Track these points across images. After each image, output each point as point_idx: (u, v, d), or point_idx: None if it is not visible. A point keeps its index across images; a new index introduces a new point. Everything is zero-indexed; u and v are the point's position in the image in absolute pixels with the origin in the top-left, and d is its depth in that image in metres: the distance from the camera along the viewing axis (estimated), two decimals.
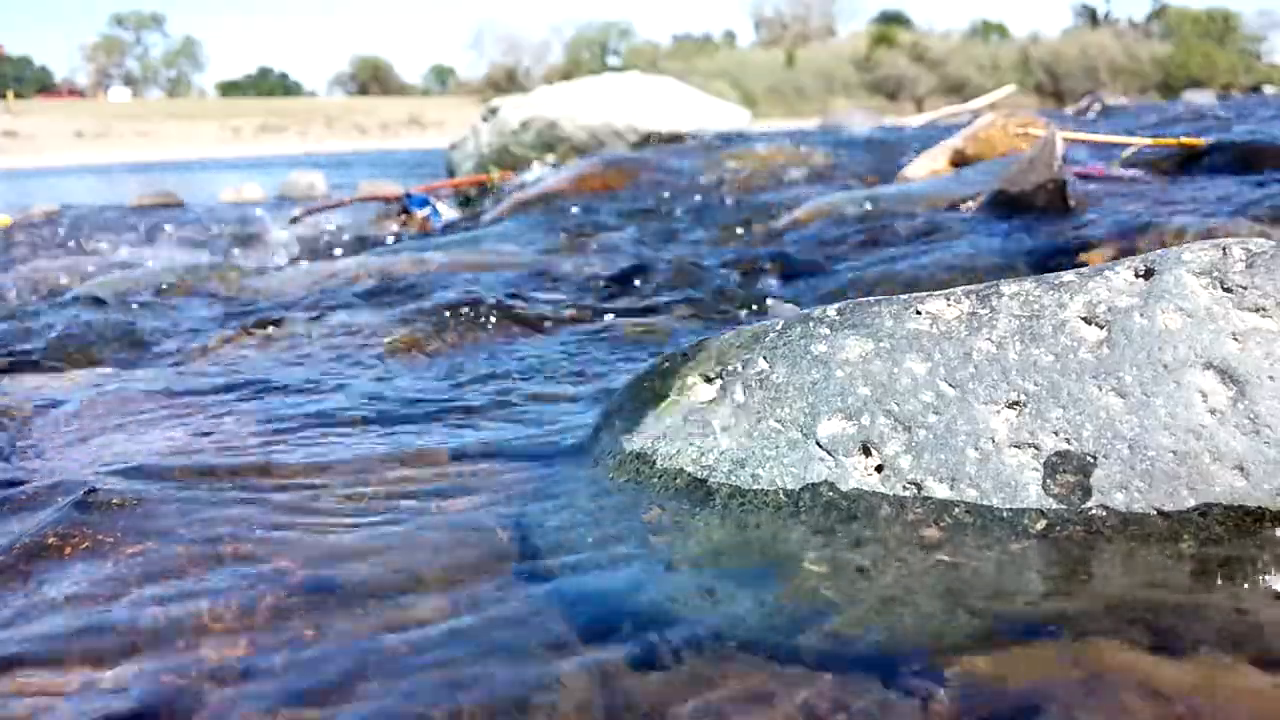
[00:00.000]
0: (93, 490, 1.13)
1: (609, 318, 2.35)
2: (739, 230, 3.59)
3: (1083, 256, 2.34)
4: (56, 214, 6.83)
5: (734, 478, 1.08)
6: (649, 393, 1.24)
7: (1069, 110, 8.59)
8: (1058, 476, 0.97)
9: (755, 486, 1.07)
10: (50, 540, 1.05)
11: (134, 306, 2.79)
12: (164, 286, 3.15)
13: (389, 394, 1.69)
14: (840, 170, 4.98)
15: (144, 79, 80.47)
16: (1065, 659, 0.77)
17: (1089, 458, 0.96)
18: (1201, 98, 13.11)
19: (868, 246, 2.85)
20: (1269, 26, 70.48)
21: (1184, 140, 3.66)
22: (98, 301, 2.86)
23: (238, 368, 1.92)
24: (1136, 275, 1.04)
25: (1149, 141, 3.80)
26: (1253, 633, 0.79)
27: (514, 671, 0.79)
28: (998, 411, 1.01)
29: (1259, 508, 0.91)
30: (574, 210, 4.52)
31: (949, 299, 1.10)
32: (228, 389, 1.74)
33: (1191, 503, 0.93)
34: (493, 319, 2.31)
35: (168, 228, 5.95)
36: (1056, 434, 0.98)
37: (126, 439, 1.46)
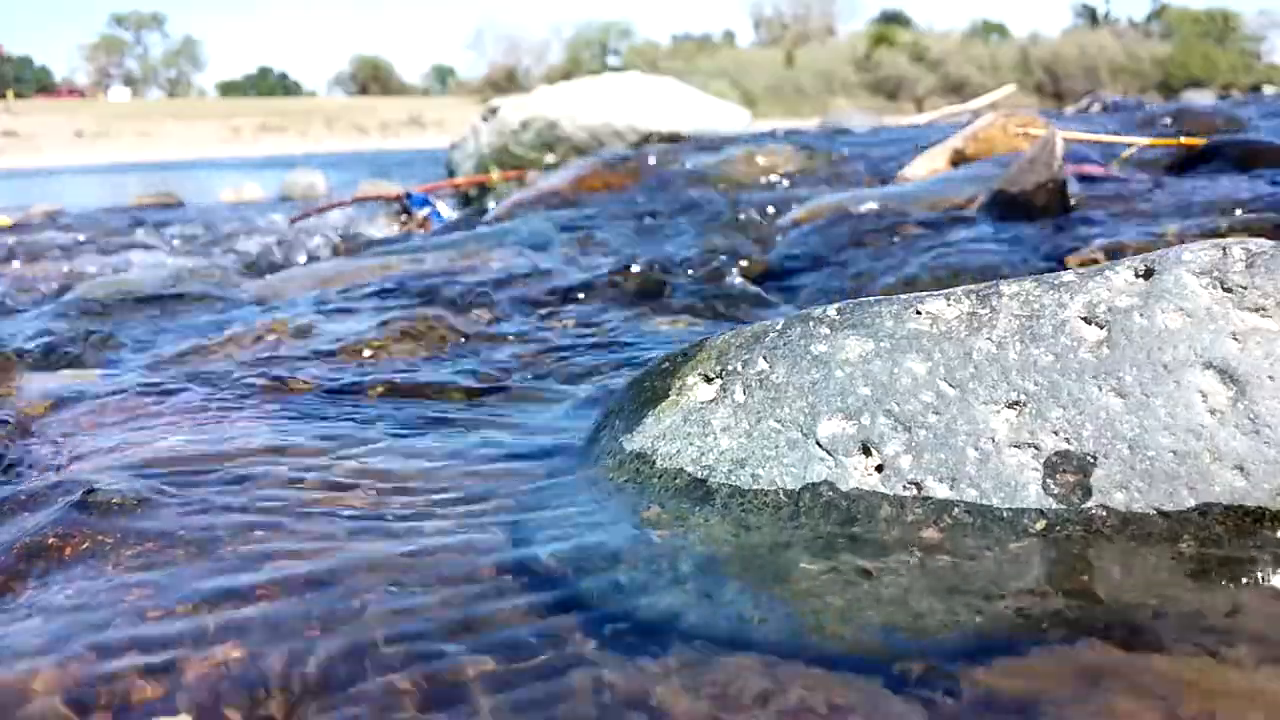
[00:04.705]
0: (92, 490, 1.13)
1: (608, 316, 2.35)
2: (739, 230, 3.59)
3: (1082, 256, 2.34)
4: (57, 214, 6.83)
5: (734, 478, 1.08)
6: (649, 392, 1.24)
7: (1069, 110, 8.59)
8: (1058, 476, 0.97)
9: (755, 486, 1.07)
10: (50, 540, 1.05)
11: (134, 307, 2.79)
12: (163, 287, 3.15)
13: (387, 394, 1.69)
14: (840, 170, 4.98)
15: (144, 79, 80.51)
16: (1065, 659, 0.77)
17: (1089, 458, 0.96)
18: (1201, 97, 13.12)
19: (867, 246, 2.85)
20: (1269, 26, 70.49)
21: (1184, 140, 3.66)
22: (97, 302, 2.86)
23: (237, 368, 1.92)
24: (1136, 275, 1.04)
25: (1149, 141, 3.80)
26: (1253, 633, 0.79)
27: (511, 671, 0.79)
28: (998, 411, 1.01)
29: (1259, 508, 0.91)
30: (574, 210, 4.52)
31: (949, 299, 1.10)
32: (227, 389, 1.74)
33: (1191, 503, 0.93)
34: (492, 317, 2.31)
35: (167, 228, 5.95)
36: (1056, 434, 0.98)
37: (126, 439, 1.46)
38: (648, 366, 1.31)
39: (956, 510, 0.98)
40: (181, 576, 0.97)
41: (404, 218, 5.80)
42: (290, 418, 1.55)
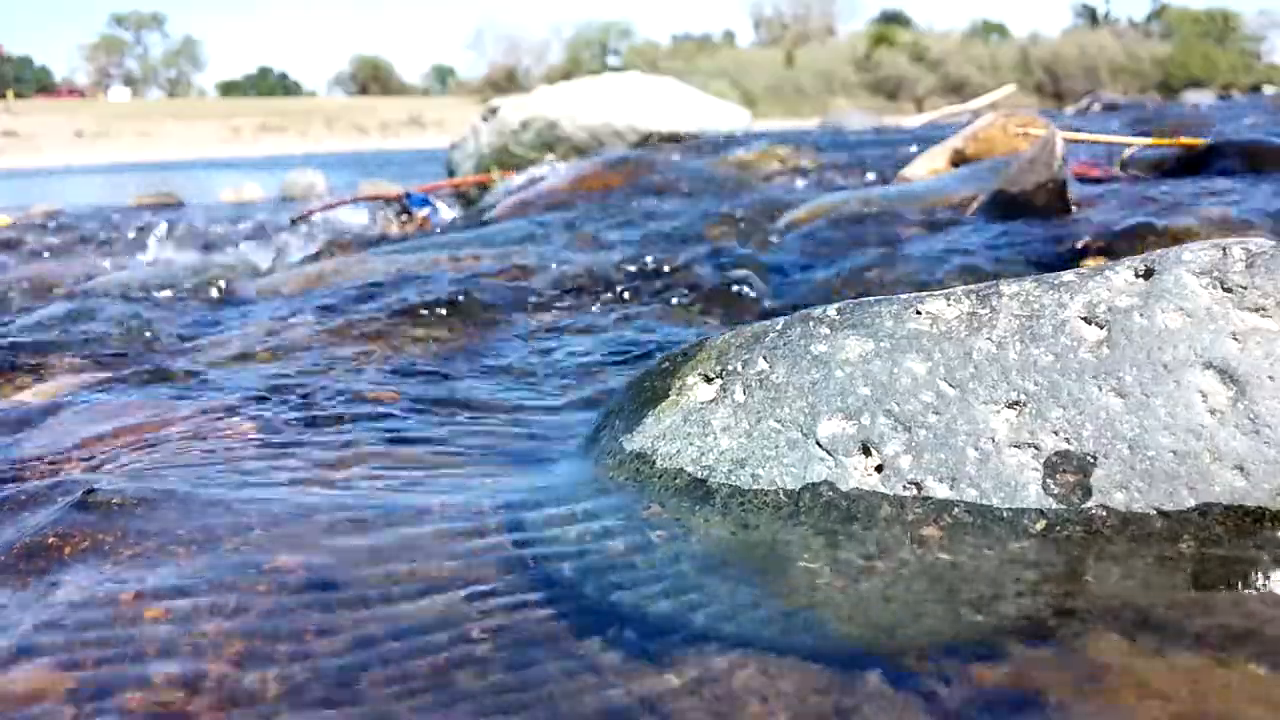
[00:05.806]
0: (92, 490, 1.13)
1: (607, 317, 2.35)
2: (738, 230, 3.58)
3: (1082, 256, 2.34)
4: (57, 214, 6.83)
5: (734, 478, 1.08)
6: (649, 392, 1.24)
7: (1069, 110, 8.60)
8: (1058, 476, 0.97)
9: (755, 486, 1.07)
10: (50, 540, 1.05)
11: (133, 307, 2.79)
12: (163, 287, 3.15)
13: (387, 394, 1.69)
14: (839, 170, 4.98)
15: (144, 79, 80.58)
16: (1065, 659, 0.77)
17: (1089, 457, 0.96)
18: (1201, 97, 13.13)
19: (867, 246, 2.85)
20: (1269, 26, 70.55)
21: (1184, 140, 3.66)
22: (97, 302, 2.86)
23: (236, 369, 1.92)
24: (1136, 275, 1.04)
25: (1149, 141, 3.80)
26: (1252, 633, 0.79)
27: (512, 671, 0.79)
28: (998, 411, 1.01)
29: (1259, 508, 0.91)
30: (574, 210, 4.52)
31: (949, 299, 1.10)
32: (226, 390, 1.74)
33: (1191, 503, 0.93)
34: (491, 317, 2.31)
35: (167, 228, 5.95)
36: (1056, 434, 0.98)
37: (126, 439, 1.46)
38: (648, 366, 1.31)
39: (956, 510, 0.98)
40: (182, 577, 0.97)
41: (404, 218, 5.80)
42: (290, 415, 1.55)
